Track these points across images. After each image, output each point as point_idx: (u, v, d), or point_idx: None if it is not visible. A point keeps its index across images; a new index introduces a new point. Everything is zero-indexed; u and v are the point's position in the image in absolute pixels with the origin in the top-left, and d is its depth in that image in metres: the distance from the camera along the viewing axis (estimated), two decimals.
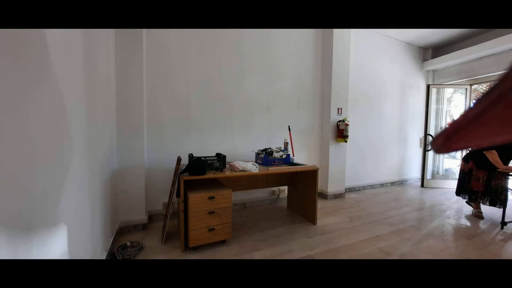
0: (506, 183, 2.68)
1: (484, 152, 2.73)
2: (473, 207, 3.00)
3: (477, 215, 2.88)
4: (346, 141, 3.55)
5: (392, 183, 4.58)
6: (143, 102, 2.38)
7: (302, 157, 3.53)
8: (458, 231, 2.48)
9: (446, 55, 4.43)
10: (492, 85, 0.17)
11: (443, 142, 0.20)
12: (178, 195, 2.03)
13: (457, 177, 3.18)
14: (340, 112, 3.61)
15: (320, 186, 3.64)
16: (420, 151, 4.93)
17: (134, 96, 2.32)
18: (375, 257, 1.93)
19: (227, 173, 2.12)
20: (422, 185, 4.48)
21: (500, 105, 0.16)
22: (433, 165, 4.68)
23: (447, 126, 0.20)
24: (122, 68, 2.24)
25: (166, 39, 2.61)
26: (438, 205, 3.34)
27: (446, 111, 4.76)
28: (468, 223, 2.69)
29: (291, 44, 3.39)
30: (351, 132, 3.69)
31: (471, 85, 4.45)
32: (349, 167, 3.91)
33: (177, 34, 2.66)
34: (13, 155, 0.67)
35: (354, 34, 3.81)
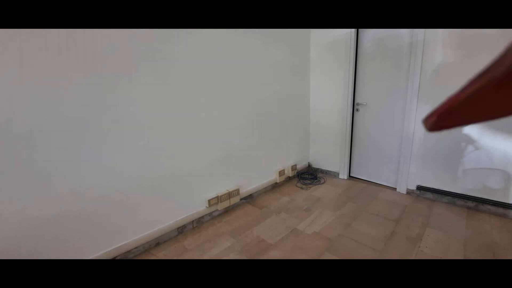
0: None
1: None
2: None
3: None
4: None
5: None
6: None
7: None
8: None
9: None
10: (485, 68, 0.17)
11: (436, 119, 0.20)
12: None
13: None
14: None
15: None
16: None
17: None
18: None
19: None
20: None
21: (490, 86, 0.16)
22: None
23: (440, 104, 0.20)
24: None
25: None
26: None
27: None
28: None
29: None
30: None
31: None
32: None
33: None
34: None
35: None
